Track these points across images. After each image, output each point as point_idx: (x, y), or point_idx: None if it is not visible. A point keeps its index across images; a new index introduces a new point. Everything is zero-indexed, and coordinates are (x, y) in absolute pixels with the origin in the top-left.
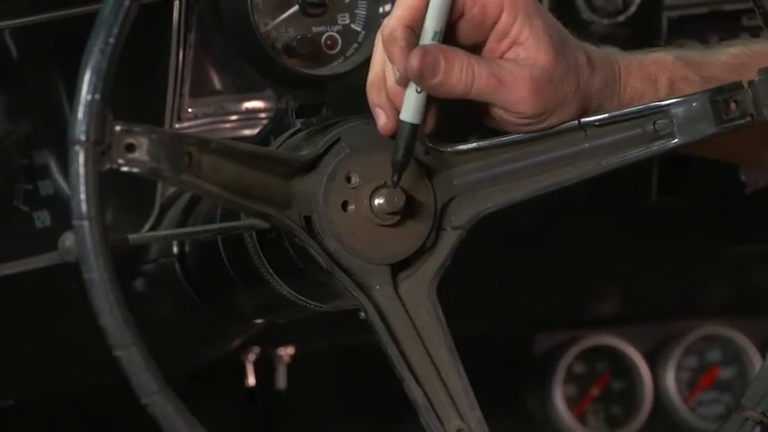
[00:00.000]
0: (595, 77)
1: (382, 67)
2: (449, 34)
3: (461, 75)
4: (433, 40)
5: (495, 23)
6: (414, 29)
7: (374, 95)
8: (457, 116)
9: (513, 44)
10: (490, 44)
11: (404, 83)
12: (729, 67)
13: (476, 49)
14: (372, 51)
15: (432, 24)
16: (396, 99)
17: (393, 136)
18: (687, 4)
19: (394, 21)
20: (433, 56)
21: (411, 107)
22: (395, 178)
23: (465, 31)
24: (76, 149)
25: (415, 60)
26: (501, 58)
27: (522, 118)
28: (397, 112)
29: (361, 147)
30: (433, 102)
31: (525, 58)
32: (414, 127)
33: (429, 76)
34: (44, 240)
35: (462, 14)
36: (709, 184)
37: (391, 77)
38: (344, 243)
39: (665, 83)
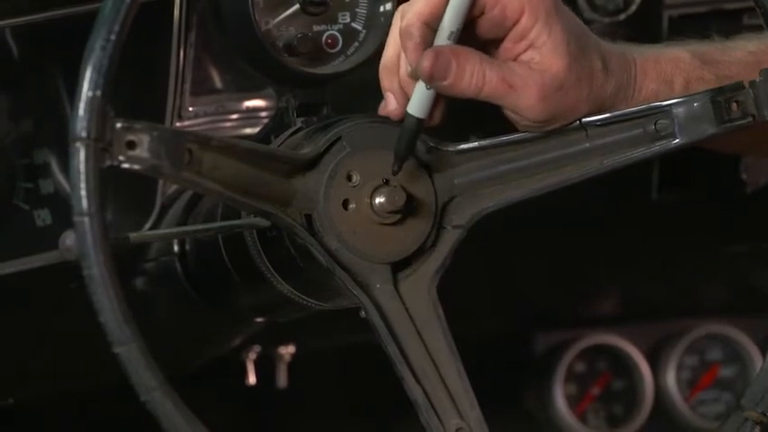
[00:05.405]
0: (609, 83)
1: (397, 50)
2: (467, 29)
3: (472, 79)
4: (448, 39)
5: (514, 24)
6: (430, 25)
7: (386, 80)
8: (459, 115)
9: (529, 47)
10: (507, 44)
11: (415, 77)
12: (746, 65)
13: (492, 44)
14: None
15: (449, 24)
16: (407, 87)
17: (401, 121)
18: (688, 2)
19: (412, 15)
20: (444, 58)
21: (419, 101)
22: (395, 168)
23: (483, 28)
24: (77, 146)
25: (426, 62)
26: (516, 59)
27: (530, 122)
28: (407, 99)
29: (362, 145)
30: (441, 97)
31: (539, 63)
32: (419, 121)
33: (439, 78)
34: (45, 239)
35: (482, 13)
36: (709, 182)
37: (404, 65)
38: (345, 241)
39: (680, 83)
